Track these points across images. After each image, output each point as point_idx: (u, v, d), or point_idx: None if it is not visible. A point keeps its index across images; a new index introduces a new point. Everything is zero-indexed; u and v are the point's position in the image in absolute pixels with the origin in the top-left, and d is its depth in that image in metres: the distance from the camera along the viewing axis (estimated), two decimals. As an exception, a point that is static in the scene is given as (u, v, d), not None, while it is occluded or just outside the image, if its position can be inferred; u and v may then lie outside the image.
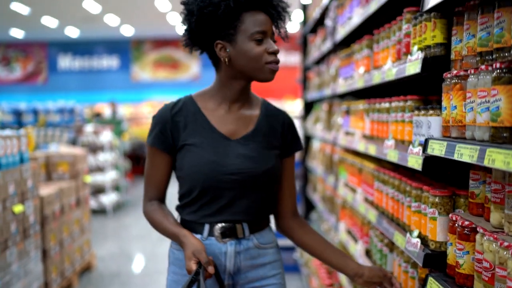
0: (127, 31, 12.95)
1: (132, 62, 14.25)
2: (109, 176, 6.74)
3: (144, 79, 14.21)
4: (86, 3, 9.66)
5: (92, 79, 14.18)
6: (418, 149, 1.39)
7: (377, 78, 1.84)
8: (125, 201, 7.43)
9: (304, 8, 4.58)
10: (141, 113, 11.88)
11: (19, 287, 2.83)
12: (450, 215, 1.24)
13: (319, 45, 3.58)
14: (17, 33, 13.07)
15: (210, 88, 1.44)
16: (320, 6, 3.43)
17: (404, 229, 1.58)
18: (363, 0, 2.12)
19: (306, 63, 4.51)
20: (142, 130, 10.76)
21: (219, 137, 1.39)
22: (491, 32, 1.12)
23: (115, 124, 7.77)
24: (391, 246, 1.81)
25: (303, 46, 4.58)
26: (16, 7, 9.85)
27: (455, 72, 1.22)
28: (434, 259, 1.30)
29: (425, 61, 1.36)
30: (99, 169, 6.68)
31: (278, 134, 1.45)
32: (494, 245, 1.02)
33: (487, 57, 1.14)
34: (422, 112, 1.41)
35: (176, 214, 1.47)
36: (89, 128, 6.91)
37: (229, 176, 1.36)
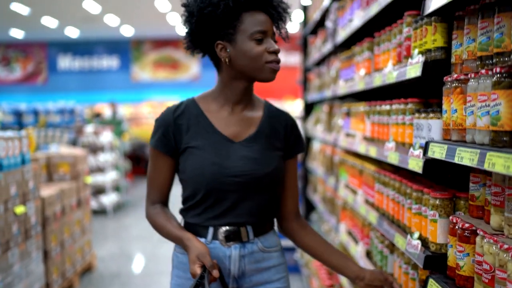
0: (127, 31, 12.96)
1: (132, 62, 14.26)
2: (110, 177, 6.75)
3: (144, 79, 14.21)
4: (86, 3, 9.67)
5: (92, 79, 14.18)
6: (418, 152, 1.40)
7: (378, 80, 1.85)
8: (125, 202, 7.44)
9: (305, 9, 4.59)
10: (141, 113, 11.89)
11: (20, 288, 2.84)
12: (451, 217, 1.25)
13: (320, 47, 3.59)
14: (17, 33, 13.07)
15: (212, 91, 1.44)
16: (320, 8, 3.44)
17: (405, 231, 1.59)
18: (363, 2, 2.14)
19: (306, 64, 4.52)
20: (142, 130, 10.77)
21: (222, 139, 1.38)
22: (491, 36, 1.13)
23: (115, 124, 7.78)
24: (392, 247, 1.82)
25: (304, 47, 4.59)
26: (16, 7, 9.86)
27: (455, 76, 1.23)
28: (435, 261, 1.32)
29: (426, 65, 1.37)
30: (100, 169, 6.69)
31: (281, 135, 1.45)
32: (494, 248, 1.03)
33: (487, 62, 1.15)
34: (423, 115, 1.42)
35: (179, 218, 1.47)
36: (89, 128, 6.92)
37: (232, 178, 1.36)
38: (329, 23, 3.00)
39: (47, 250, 3.37)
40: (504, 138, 1.01)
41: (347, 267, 1.45)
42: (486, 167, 0.99)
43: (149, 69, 14.17)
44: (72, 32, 13.04)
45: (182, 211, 1.46)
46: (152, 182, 1.44)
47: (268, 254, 1.44)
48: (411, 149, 1.45)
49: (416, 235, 1.43)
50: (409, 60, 1.49)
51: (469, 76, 1.17)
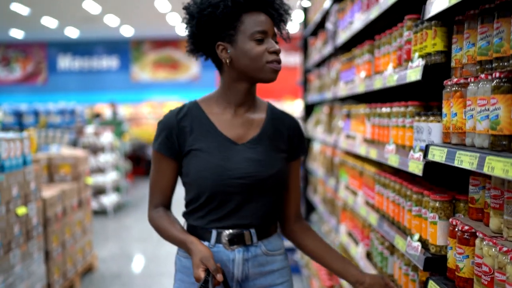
0: (127, 31, 12.96)
1: (132, 63, 14.26)
2: (110, 177, 6.76)
3: (143, 80, 14.22)
4: (86, 3, 9.67)
5: (92, 80, 14.19)
6: (419, 155, 1.41)
7: (378, 83, 1.87)
8: (126, 202, 7.45)
9: (305, 10, 4.61)
10: (141, 113, 11.90)
11: (22, 288, 2.85)
12: (450, 219, 1.26)
13: (320, 48, 3.60)
14: (16, 34, 13.07)
15: (215, 93, 1.44)
16: (321, 10, 3.46)
17: (405, 232, 1.61)
18: (364, 5, 2.15)
19: (306, 66, 4.54)
20: (142, 130, 10.79)
21: (226, 141, 1.38)
22: (490, 41, 1.14)
23: (116, 125, 7.78)
24: (392, 249, 1.83)
25: (304, 48, 4.60)
26: (16, 7, 9.86)
27: (455, 80, 1.24)
28: (435, 263, 1.33)
29: (426, 69, 1.38)
30: (100, 170, 6.70)
31: (284, 137, 1.45)
32: (493, 250, 1.04)
33: (486, 66, 1.16)
34: (423, 118, 1.44)
35: (182, 221, 1.46)
36: (90, 129, 6.93)
37: (236, 180, 1.36)
38: (329, 25, 3.01)
39: (49, 250, 3.38)
40: (503, 142, 1.02)
41: (347, 271, 1.44)
42: (485, 170, 1.00)
43: (149, 69, 14.17)
44: (72, 32, 13.04)
45: (185, 214, 1.46)
46: (155, 185, 1.43)
47: (272, 258, 1.43)
48: (411, 152, 1.46)
49: (416, 237, 1.45)
50: (410, 63, 1.50)
51: (468, 80, 1.18)
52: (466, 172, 1.32)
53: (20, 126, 6.06)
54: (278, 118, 1.46)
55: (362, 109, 2.25)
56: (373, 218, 1.94)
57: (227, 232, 1.38)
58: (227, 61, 1.34)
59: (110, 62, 14.25)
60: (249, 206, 1.38)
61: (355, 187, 2.39)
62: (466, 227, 1.18)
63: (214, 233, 1.38)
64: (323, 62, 3.66)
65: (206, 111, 1.41)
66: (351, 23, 2.41)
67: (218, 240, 1.38)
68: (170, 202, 1.47)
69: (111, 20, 11.50)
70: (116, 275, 4.35)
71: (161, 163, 1.41)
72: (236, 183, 1.35)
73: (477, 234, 1.13)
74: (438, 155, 1.25)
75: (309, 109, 4.54)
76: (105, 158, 6.73)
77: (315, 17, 3.75)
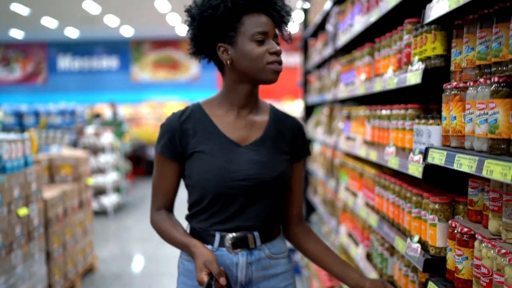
0: (127, 31, 12.97)
1: (132, 63, 14.28)
2: (110, 178, 6.77)
3: (143, 80, 14.23)
4: (86, 4, 9.68)
5: (92, 80, 14.20)
6: (418, 157, 1.43)
7: (378, 86, 1.88)
8: (126, 202, 7.46)
9: (305, 11, 4.62)
10: (141, 113, 11.90)
11: (24, 289, 2.87)
12: (450, 221, 1.28)
13: (320, 50, 3.62)
14: (16, 34, 13.08)
15: (217, 95, 1.44)
16: (321, 12, 3.47)
17: (405, 234, 1.62)
18: (364, 8, 2.16)
19: (306, 67, 4.55)
20: (141, 130, 10.79)
21: (229, 143, 1.38)
22: (489, 46, 1.16)
23: (116, 125, 7.79)
24: (392, 250, 1.84)
25: (304, 49, 4.61)
26: (16, 8, 9.87)
27: (454, 83, 1.26)
28: (434, 264, 1.34)
29: (426, 72, 1.39)
30: (100, 170, 6.72)
31: (287, 139, 1.45)
32: (492, 252, 1.05)
33: (485, 70, 1.18)
34: (423, 121, 1.45)
35: (184, 224, 1.46)
36: (90, 130, 6.94)
37: (239, 182, 1.35)
38: (329, 27, 3.02)
39: (50, 251, 3.39)
40: (502, 146, 1.03)
41: (347, 274, 1.44)
42: (484, 174, 1.02)
43: (149, 69, 14.19)
44: (72, 33, 13.05)
45: (188, 217, 1.46)
46: (158, 188, 1.43)
47: (276, 261, 1.43)
48: (411, 154, 1.48)
49: (416, 238, 1.46)
50: (409, 67, 1.52)
51: (468, 84, 1.19)
52: (466, 174, 1.34)
53: (20, 126, 6.06)
54: (281, 120, 1.46)
55: (362, 111, 2.26)
56: (373, 219, 1.95)
57: (231, 235, 1.37)
58: (228, 62, 1.34)
59: (110, 62, 14.27)
60: (252, 208, 1.38)
61: (355, 188, 2.41)
62: (465, 229, 1.19)
63: (217, 236, 1.38)
64: (323, 63, 3.67)
65: (209, 113, 1.41)
66: (351, 25, 2.43)
67: (222, 244, 1.38)
68: (173, 204, 1.47)
69: (111, 20, 11.51)
70: (117, 275, 4.36)
71: (164, 165, 1.41)
72: (239, 185, 1.35)
73: (476, 236, 1.14)
74: (437, 158, 1.26)
75: (309, 110, 4.55)
76: (105, 159, 6.74)
77: (316, 19, 3.76)
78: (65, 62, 14.29)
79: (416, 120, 1.49)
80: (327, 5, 3.16)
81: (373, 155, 1.95)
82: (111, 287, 4.08)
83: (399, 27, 1.73)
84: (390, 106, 1.84)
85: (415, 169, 1.43)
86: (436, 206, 1.35)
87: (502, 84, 1.04)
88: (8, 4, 9.59)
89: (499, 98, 1.04)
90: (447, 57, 1.39)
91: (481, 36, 1.18)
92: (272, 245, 1.43)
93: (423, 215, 1.43)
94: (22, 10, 10.12)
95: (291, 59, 11.93)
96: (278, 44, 1.36)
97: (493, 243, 1.06)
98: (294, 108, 10.44)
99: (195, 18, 1.35)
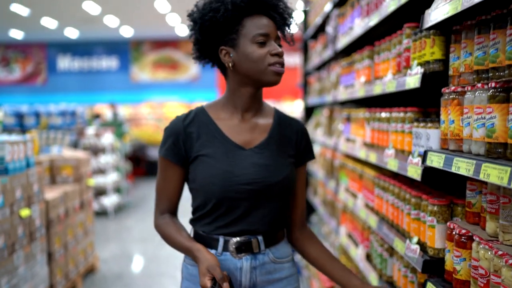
0: (127, 32, 12.98)
1: (132, 63, 14.29)
2: (111, 178, 6.79)
3: (143, 80, 14.24)
4: (86, 4, 9.70)
5: (92, 80, 14.21)
6: (417, 160, 1.45)
7: (378, 88, 1.90)
8: (126, 203, 7.47)
9: (305, 13, 4.64)
10: (141, 113, 11.91)
11: (26, 289, 2.89)
12: (448, 223, 1.30)
13: (320, 52, 3.64)
14: (16, 34, 13.09)
15: (221, 99, 1.44)
16: (321, 14, 3.49)
17: (404, 235, 1.64)
18: (363, 11, 2.18)
19: (306, 68, 4.57)
20: (141, 131, 10.81)
21: (233, 146, 1.37)
22: (487, 51, 1.18)
23: (116, 126, 7.81)
24: (391, 251, 1.86)
25: (304, 51, 4.63)
26: (15, 8, 9.88)
27: (453, 88, 1.28)
28: (433, 265, 1.37)
29: (424, 76, 1.42)
30: (101, 171, 6.73)
31: (292, 142, 1.44)
32: (489, 253, 1.08)
33: (483, 75, 1.20)
34: (422, 124, 1.47)
35: (188, 228, 1.45)
36: (90, 130, 6.96)
37: (244, 186, 1.34)
38: (329, 29, 3.05)
39: (51, 252, 3.41)
40: (499, 150, 1.06)
41: (349, 280, 1.44)
42: (481, 177, 1.04)
43: (149, 69, 14.20)
44: (72, 33, 13.06)
45: (192, 221, 1.45)
46: (161, 191, 1.43)
47: (280, 265, 1.43)
48: (410, 157, 1.50)
49: (415, 239, 1.48)
50: (408, 71, 1.54)
51: (466, 88, 1.21)
52: (464, 176, 1.36)
53: (21, 127, 6.08)
54: (285, 123, 1.46)
55: (362, 113, 2.28)
56: (372, 220, 1.98)
57: (235, 240, 1.37)
58: (230, 65, 1.35)
59: (109, 63, 14.28)
60: (257, 212, 1.37)
61: (355, 189, 2.43)
62: (463, 231, 1.21)
63: (221, 241, 1.37)
64: (323, 65, 3.69)
65: (213, 117, 1.41)
66: (351, 28, 2.45)
67: (225, 248, 1.37)
68: (177, 208, 1.46)
69: (110, 21, 11.52)
70: (118, 275, 4.38)
71: (168, 169, 1.40)
72: (243, 189, 1.34)
73: (474, 237, 1.16)
74: (436, 161, 1.29)
75: (309, 111, 4.57)
76: (105, 159, 6.76)
77: (316, 20, 3.78)
78: (64, 63, 14.30)
79: (415, 123, 1.52)
80: (327, 7, 3.19)
81: (372, 157, 1.97)
82: (112, 287, 4.10)
83: (399, 31, 1.75)
84: (389, 109, 1.86)
85: (414, 172, 1.45)
86: (435, 208, 1.38)
87: (499, 89, 1.06)
88: (8, 5, 9.60)
89: (496, 103, 1.06)
90: (446, 62, 1.42)
91: (479, 42, 1.20)
92: (276, 249, 1.42)
93: (422, 217, 1.46)
94: (22, 10, 10.13)
95: (290, 59, 11.95)
96: (280, 46, 1.37)
97: (490, 244, 1.08)
98: (293, 108, 10.46)
99: (196, 22, 1.36)
